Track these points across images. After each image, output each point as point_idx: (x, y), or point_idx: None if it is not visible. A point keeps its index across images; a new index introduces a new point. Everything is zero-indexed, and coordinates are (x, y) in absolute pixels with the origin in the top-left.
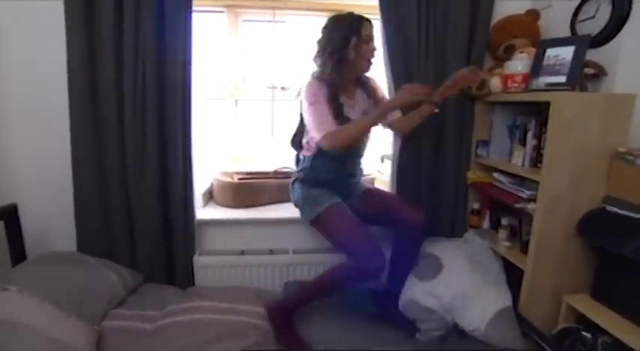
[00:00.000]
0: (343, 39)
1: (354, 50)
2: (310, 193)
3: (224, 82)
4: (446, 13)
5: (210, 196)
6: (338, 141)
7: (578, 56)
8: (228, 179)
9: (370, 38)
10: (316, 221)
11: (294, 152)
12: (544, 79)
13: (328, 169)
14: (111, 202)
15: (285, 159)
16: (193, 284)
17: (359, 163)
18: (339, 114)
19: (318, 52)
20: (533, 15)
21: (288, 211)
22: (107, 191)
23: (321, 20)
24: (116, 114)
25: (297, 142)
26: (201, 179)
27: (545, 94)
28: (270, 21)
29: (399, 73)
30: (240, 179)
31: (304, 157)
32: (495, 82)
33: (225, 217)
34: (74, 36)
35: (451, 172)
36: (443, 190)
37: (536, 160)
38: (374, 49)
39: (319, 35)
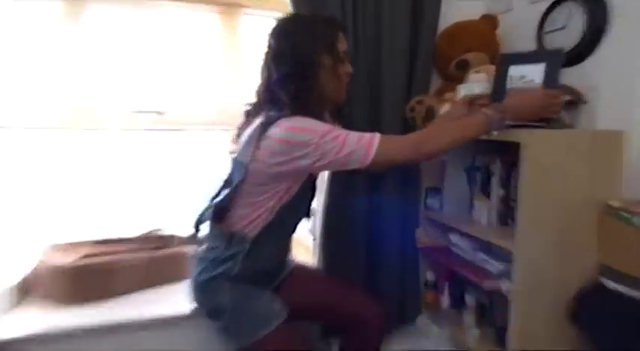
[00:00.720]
0: (311, 56)
1: (327, 73)
2: (249, 298)
3: (61, 102)
4: (378, 15)
5: (24, 290)
6: (434, 143)
7: (550, 78)
8: (60, 260)
9: (348, 55)
10: (258, 346)
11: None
12: None
13: (271, 253)
14: None
15: (158, 218)
16: None
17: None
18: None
19: (267, 75)
20: (491, 21)
21: (166, 303)
22: None
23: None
24: None
25: (220, 214)
26: (10, 262)
27: (513, 133)
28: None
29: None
30: (84, 256)
31: (235, 237)
32: (445, 109)
33: (52, 328)
34: None
35: (394, 231)
36: (385, 256)
37: (506, 215)
38: (350, 72)
39: (266, 47)
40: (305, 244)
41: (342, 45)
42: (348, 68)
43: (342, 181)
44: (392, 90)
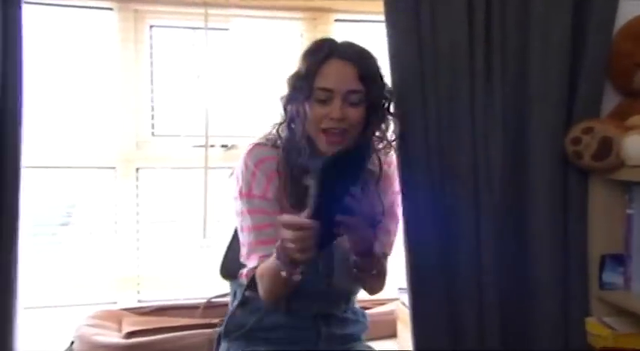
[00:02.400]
0: (292, 85)
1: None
2: None
3: (111, 138)
4: (525, 7)
5: None
6: (261, 290)
7: None
8: (103, 336)
9: (328, 92)
10: None
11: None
12: None
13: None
14: None
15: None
16: None
17: (345, 298)
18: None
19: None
20: None
21: None
22: None
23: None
24: None
25: (230, 266)
26: (49, 334)
27: None
28: (199, 28)
29: (420, 126)
30: (130, 333)
31: (237, 286)
32: (633, 144)
33: None
34: None
35: (547, 324)
36: None
37: None
38: (331, 115)
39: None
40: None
41: (326, 78)
42: (331, 112)
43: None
44: (542, 113)
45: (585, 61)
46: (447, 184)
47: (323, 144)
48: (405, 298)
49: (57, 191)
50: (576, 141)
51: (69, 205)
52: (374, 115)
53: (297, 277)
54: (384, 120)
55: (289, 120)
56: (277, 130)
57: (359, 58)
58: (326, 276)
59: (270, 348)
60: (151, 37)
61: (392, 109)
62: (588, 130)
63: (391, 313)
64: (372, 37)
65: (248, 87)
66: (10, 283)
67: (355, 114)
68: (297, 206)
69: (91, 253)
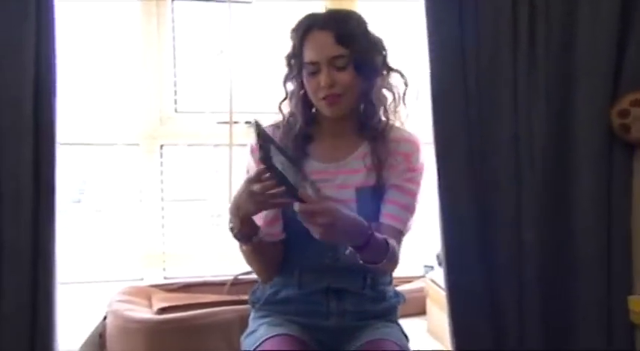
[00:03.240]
0: (287, 63)
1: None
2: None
3: (134, 114)
4: None
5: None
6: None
7: None
8: (136, 312)
9: (315, 65)
10: None
11: None
12: None
13: (286, 280)
14: None
15: None
16: None
17: (360, 274)
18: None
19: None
20: None
21: None
22: None
23: None
24: None
25: None
26: (79, 309)
27: None
28: (223, 0)
29: (463, 96)
30: (162, 309)
31: None
32: None
33: None
34: None
35: (593, 300)
36: (574, 331)
37: None
38: (321, 84)
39: None
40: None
41: (311, 52)
42: (317, 80)
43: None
44: (588, 85)
45: (634, 33)
46: (487, 158)
47: (326, 110)
48: (432, 274)
49: (80, 168)
50: (624, 113)
51: (91, 181)
52: (367, 73)
53: (256, 239)
54: (380, 75)
55: (290, 96)
56: (279, 107)
57: (335, 22)
58: (330, 250)
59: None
60: (172, 10)
61: (389, 63)
62: (637, 103)
63: (420, 290)
64: (398, 15)
65: (271, 63)
66: (49, 258)
67: (344, 77)
68: None
69: (116, 229)
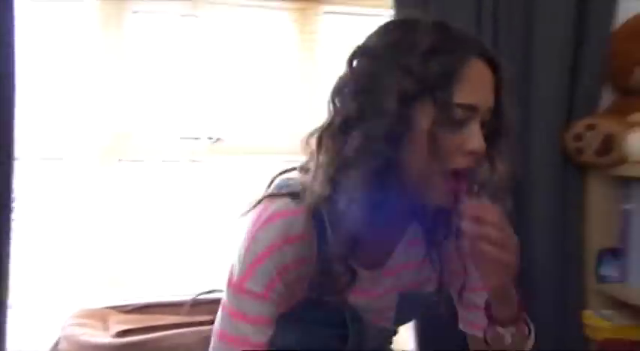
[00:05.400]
0: (381, 91)
1: (415, 135)
2: None
3: (94, 128)
4: (530, 8)
5: None
6: None
7: None
8: (92, 336)
9: (472, 111)
10: None
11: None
12: None
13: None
14: None
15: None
16: None
17: (382, 334)
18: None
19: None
20: None
21: None
22: None
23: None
24: None
25: None
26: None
27: None
28: (186, 15)
29: None
30: (119, 333)
31: None
32: (638, 140)
33: None
34: None
35: (548, 315)
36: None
37: None
38: (471, 146)
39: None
40: None
41: (466, 93)
42: (470, 142)
43: None
44: (544, 108)
45: (585, 60)
46: None
47: (440, 193)
48: None
49: (33, 184)
50: (578, 137)
51: (46, 198)
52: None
53: None
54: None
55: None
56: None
57: (496, 56)
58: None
59: None
60: (132, 23)
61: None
62: (591, 127)
63: None
64: (363, 31)
65: (235, 78)
66: (4, 279)
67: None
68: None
69: (67, 249)
